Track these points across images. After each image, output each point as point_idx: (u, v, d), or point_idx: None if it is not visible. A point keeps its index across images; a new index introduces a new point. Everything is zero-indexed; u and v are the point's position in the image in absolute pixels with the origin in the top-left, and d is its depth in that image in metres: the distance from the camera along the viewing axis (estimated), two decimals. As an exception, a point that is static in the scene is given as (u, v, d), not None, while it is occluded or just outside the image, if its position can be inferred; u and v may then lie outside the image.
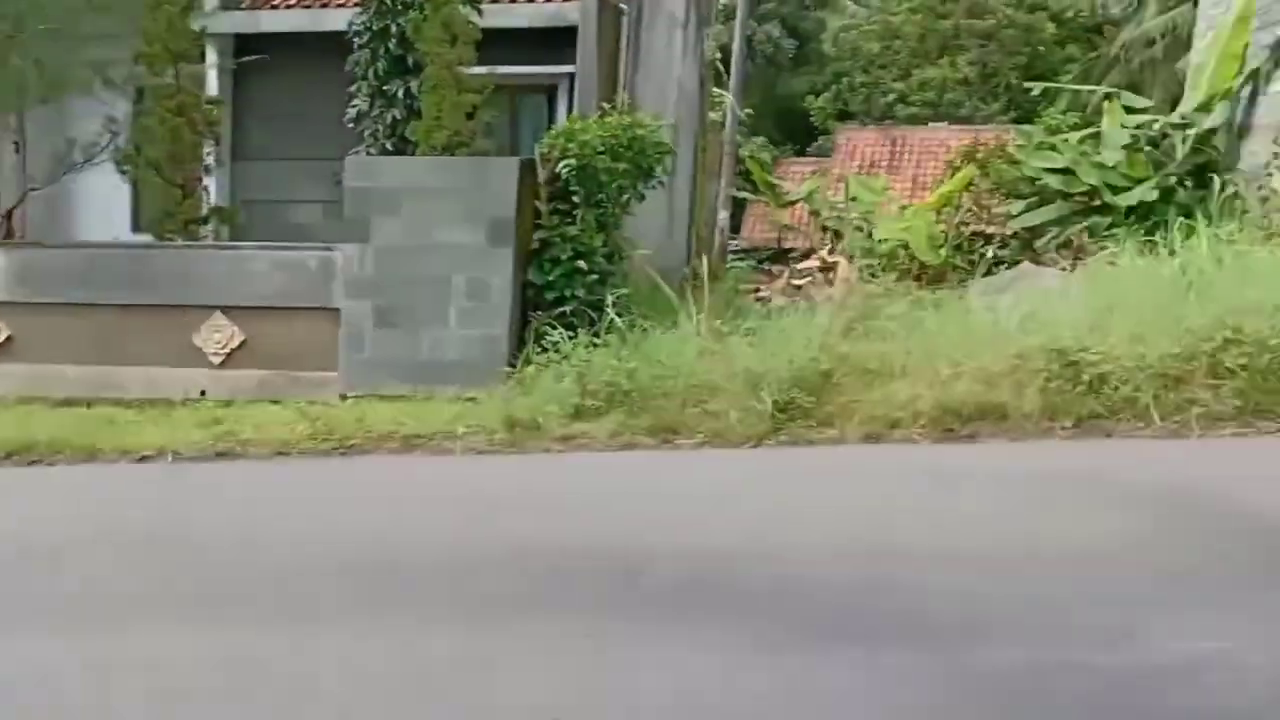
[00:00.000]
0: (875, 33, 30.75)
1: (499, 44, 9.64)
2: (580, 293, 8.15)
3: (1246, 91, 15.13)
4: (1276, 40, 14.33)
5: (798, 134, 32.25)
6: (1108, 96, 16.48)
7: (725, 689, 3.57)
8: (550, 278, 8.21)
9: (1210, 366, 6.41)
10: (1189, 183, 13.46)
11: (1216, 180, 12.54)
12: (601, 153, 8.23)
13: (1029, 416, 6.40)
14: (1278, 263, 7.32)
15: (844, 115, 29.86)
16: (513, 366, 7.77)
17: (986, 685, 3.48)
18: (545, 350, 7.56)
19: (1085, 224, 13.44)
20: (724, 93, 20.97)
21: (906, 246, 14.65)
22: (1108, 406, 6.39)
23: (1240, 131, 15.18)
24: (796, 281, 14.84)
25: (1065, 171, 14.06)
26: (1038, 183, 14.60)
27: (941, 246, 14.84)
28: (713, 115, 20.32)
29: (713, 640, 3.89)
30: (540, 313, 8.16)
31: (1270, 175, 11.61)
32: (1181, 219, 9.91)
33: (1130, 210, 12.72)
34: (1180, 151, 14.48)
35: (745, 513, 5.35)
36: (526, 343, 7.91)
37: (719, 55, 19.49)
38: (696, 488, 5.89)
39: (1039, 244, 13.83)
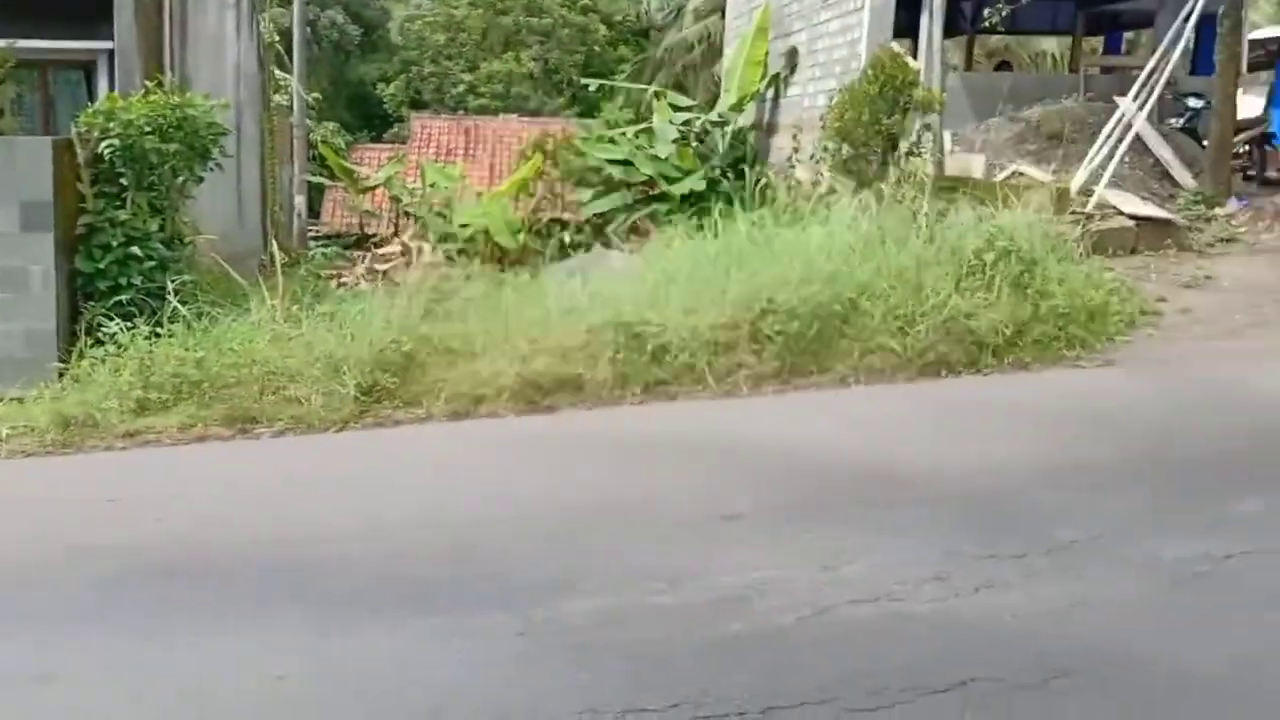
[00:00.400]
0: (440, 24, 30.98)
1: (26, 16, 8.65)
2: (137, 280, 7.53)
3: (770, 94, 17.05)
4: (790, 50, 16.28)
5: (372, 120, 31.79)
6: (657, 95, 17.87)
7: (304, 671, 3.56)
8: (100, 265, 7.51)
9: (752, 333, 7.20)
10: (730, 174, 14.92)
11: (752, 171, 14.05)
12: (149, 133, 7.64)
13: (603, 386, 6.84)
14: (800, 242, 8.34)
15: (417, 104, 29.81)
16: (65, 362, 7.04)
17: (565, 636, 3.73)
18: (102, 343, 6.93)
19: (647, 210, 14.51)
20: (288, 76, 20.23)
21: (486, 232, 14.99)
22: (670, 373, 6.98)
23: (768, 129, 17.07)
24: (379, 266, 14.66)
25: (625, 163, 15.07)
26: (602, 173, 15.53)
27: (520, 232, 15.34)
28: (279, 99, 19.54)
29: (292, 623, 3.86)
30: (94, 303, 7.46)
31: (793, 167, 13.18)
32: (725, 205, 11.04)
33: (684, 198, 13.89)
34: (721, 146, 16.01)
35: (326, 495, 5.28)
36: (79, 336, 7.20)
37: (279, 38, 18.77)
38: (275, 475, 5.71)
39: (609, 229, 14.70)
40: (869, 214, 8.86)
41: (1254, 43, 19.85)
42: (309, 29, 25.55)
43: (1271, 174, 15.34)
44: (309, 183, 19.81)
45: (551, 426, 6.42)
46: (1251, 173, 14.54)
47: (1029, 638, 3.66)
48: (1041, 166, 11.76)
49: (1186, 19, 11.55)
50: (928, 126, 11.59)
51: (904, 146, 11.42)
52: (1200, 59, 15.75)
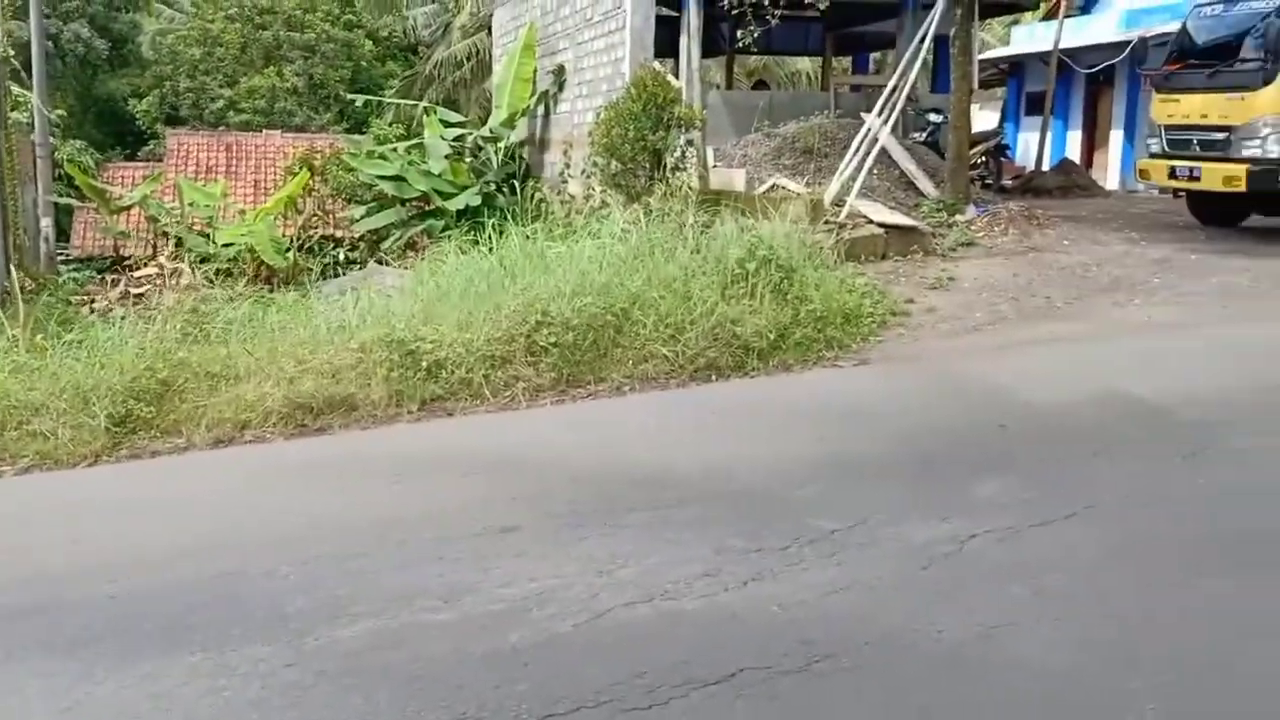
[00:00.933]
0: (195, 39, 29.54)
1: None
2: None
3: (541, 110, 17.21)
4: (558, 67, 16.49)
5: (125, 138, 29.89)
6: (427, 111, 17.72)
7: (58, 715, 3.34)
8: None
9: (528, 346, 7.24)
10: (505, 189, 14.94)
11: (526, 186, 14.13)
12: None
13: (377, 404, 6.71)
14: (573, 255, 8.46)
15: (173, 120, 28.27)
16: None
17: (337, 662, 3.65)
18: None
19: (422, 226, 14.35)
20: (27, 92, 18.83)
21: (252, 251, 14.41)
22: (446, 389, 6.92)
23: (541, 144, 17.21)
24: (135, 289, 13.82)
25: (398, 179, 14.85)
26: (374, 189, 15.24)
27: (288, 250, 14.83)
28: (18, 116, 18.18)
29: (40, 671, 3.62)
30: None
31: (565, 182, 13.34)
32: (500, 220, 11.06)
33: (460, 213, 13.81)
34: (495, 162, 16.03)
35: (76, 532, 4.95)
36: None
37: (14, 53, 17.43)
38: (18, 514, 5.31)
39: (384, 246, 14.43)
40: (639, 227, 9.09)
41: (985, 62, 21.63)
42: (51, 43, 23.90)
43: (1006, 182, 16.72)
44: (56, 205, 18.45)
45: (323, 448, 6.24)
46: (989, 181, 15.79)
47: (794, 625, 3.84)
48: (797, 179, 12.37)
49: (922, 40, 12.44)
50: (691, 142, 11.99)
51: (669, 161, 11.78)
52: (939, 77, 17.00)
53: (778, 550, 4.46)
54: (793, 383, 7.35)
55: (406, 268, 11.91)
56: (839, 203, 10.97)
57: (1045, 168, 17.86)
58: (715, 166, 12.67)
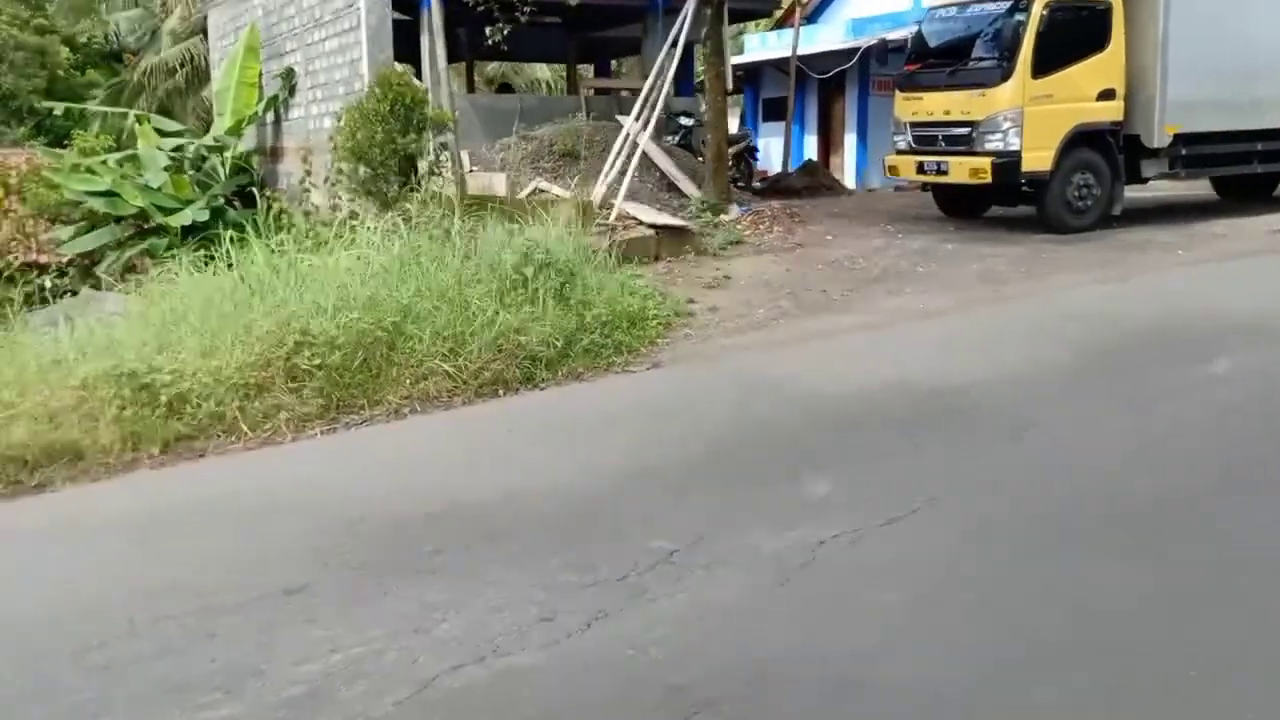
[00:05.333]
0: None
1: None
2: None
3: (271, 117, 15.94)
4: (286, 70, 15.33)
5: None
6: (139, 120, 16.03)
7: None
8: None
9: (288, 370, 6.36)
10: (238, 202, 13.64)
11: (262, 198, 12.91)
12: None
13: (109, 450, 5.65)
14: (328, 268, 7.60)
15: None
16: None
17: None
18: None
19: (144, 246, 12.82)
20: None
21: (-71, 285, 12.40)
22: (194, 426, 5.95)
23: (274, 153, 15.94)
24: None
25: (110, 194, 13.23)
26: (83, 206, 13.53)
27: (-22, 282, 12.88)
28: None
29: None
30: None
31: (308, 191, 12.28)
32: (236, 235, 9.92)
33: (186, 230, 12.43)
34: (223, 173, 14.65)
35: None
36: None
37: None
38: None
39: (100, 269, 12.79)
40: (399, 235, 8.32)
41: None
42: None
43: (756, 184, 16.93)
44: None
45: (44, 509, 5.15)
46: (741, 182, 15.90)
47: (655, 669, 3.31)
48: (559, 182, 11.91)
49: (674, 44, 12.27)
50: (445, 146, 11.30)
51: (423, 166, 11.03)
52: (683, 82, 17.01)
53: (616, 581, 3.91)
54: (586, 392, 6.83)
55: (129, 292, 10.52)
56: (607, 205, 10.57)
57: (790, 169, 18.25)
58: (472, 171, 12.01)
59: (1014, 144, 11.32)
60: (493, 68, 27.02)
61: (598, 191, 10.82)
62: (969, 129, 11.62)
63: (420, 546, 4.33)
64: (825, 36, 22.10)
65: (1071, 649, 3.35)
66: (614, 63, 23.10)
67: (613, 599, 3.76)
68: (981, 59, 11.82)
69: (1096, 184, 11.74)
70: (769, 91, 23.88)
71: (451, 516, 4.67)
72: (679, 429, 5.85)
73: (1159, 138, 11.79)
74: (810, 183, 16.90)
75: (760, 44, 24.19)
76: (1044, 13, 11.22)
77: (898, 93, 12.81)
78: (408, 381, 6.64)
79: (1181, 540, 4.15)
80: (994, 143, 11.43)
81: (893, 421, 5.66)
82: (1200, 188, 14.77)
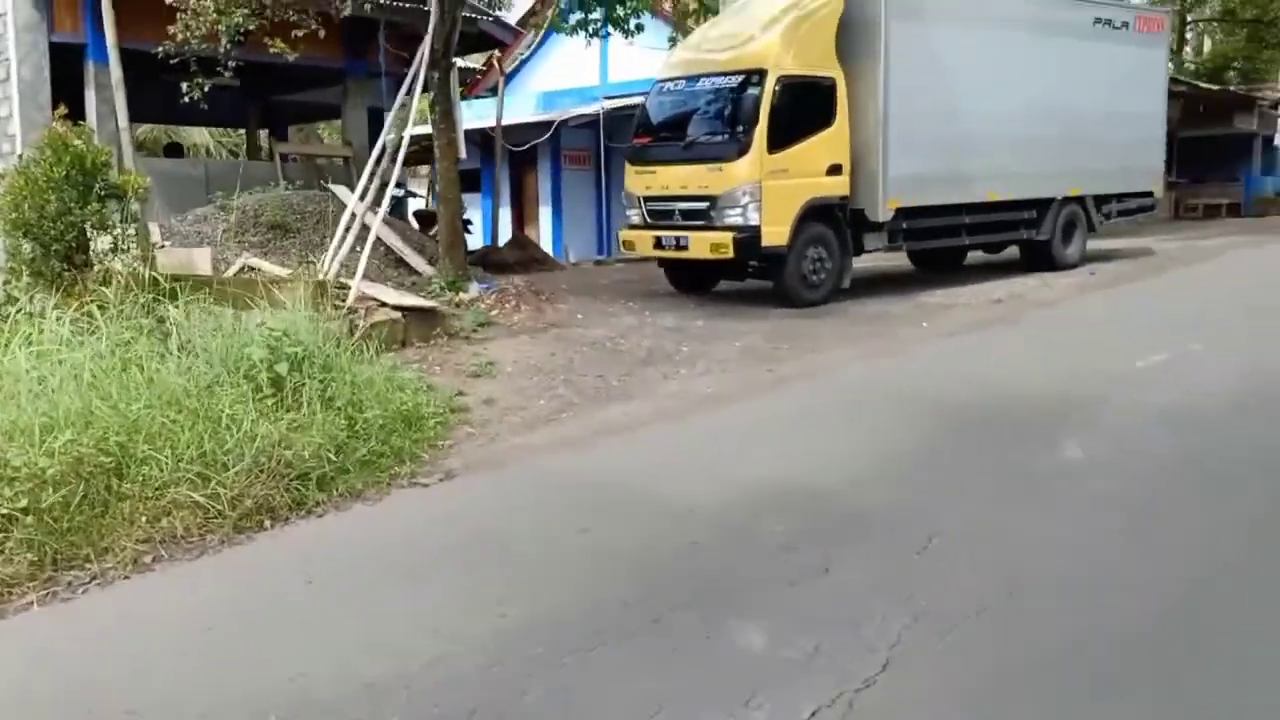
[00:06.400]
0: None
1: None
2: None
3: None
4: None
5: None
6: None
7: None
8: None
9: (-20, 518, 4.72)
10: None
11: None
12: None
13: None
14: (12, 374, 5.93)
15: None
16: None
17: None
18: None
19: None
20: None
21: None
22: None
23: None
24: None
25: None
26: None
27: None
28: None
29: None
30: None
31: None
32: None
33: None
34: None
35: None
36: None
37: None
38: None
39: None
40: (96, 327, 6.71)
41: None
42: None
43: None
44: None
45: None
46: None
47: None
48: (272, 258, 10.46)
49: (404, 109, 11.23)
50: (134, 217, 9.57)
51: (103, 242, 9.25)
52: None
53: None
54: (376, 517, 5.63)
55: None
56: (341, 285, 9.29)
57: (499, 243, 17.52)
58: (164, 245, 10.27)
59: (753, 219, 11.22)
60: (144, 130, 24.37)
61: (329, 269, 9.53)
62: (708, 204, 11.41)
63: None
64: (517, 109, 21.69)
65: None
66: (292, 128, 21.42)
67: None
68: (716, 133, 11.70)
69: (828, 257, 11.89)
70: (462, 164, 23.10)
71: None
72: (516, 566, 4.76)
73: (883, 212, 12.15)
74: (522, 257, 16.24)
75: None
76: (776, 87, 11.27)
77: (629, 166, 12.45)
78: (145, 520, 5.15)
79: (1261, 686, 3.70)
80: (734, 218, 11.29)
81: (774, 535, 4.95)
82: (895, 259, 15.53)
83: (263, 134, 19.11)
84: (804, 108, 11.57)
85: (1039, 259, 14.62)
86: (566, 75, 22.57)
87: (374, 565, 4.92)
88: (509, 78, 24.80)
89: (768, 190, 11.22)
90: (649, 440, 6.80)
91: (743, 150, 11.19)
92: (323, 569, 4.88)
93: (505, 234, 20.13)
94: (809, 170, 11.59)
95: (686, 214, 11.67)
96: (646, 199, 12.07)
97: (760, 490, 5.56)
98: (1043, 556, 4.63)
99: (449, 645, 3.93)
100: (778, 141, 11.29)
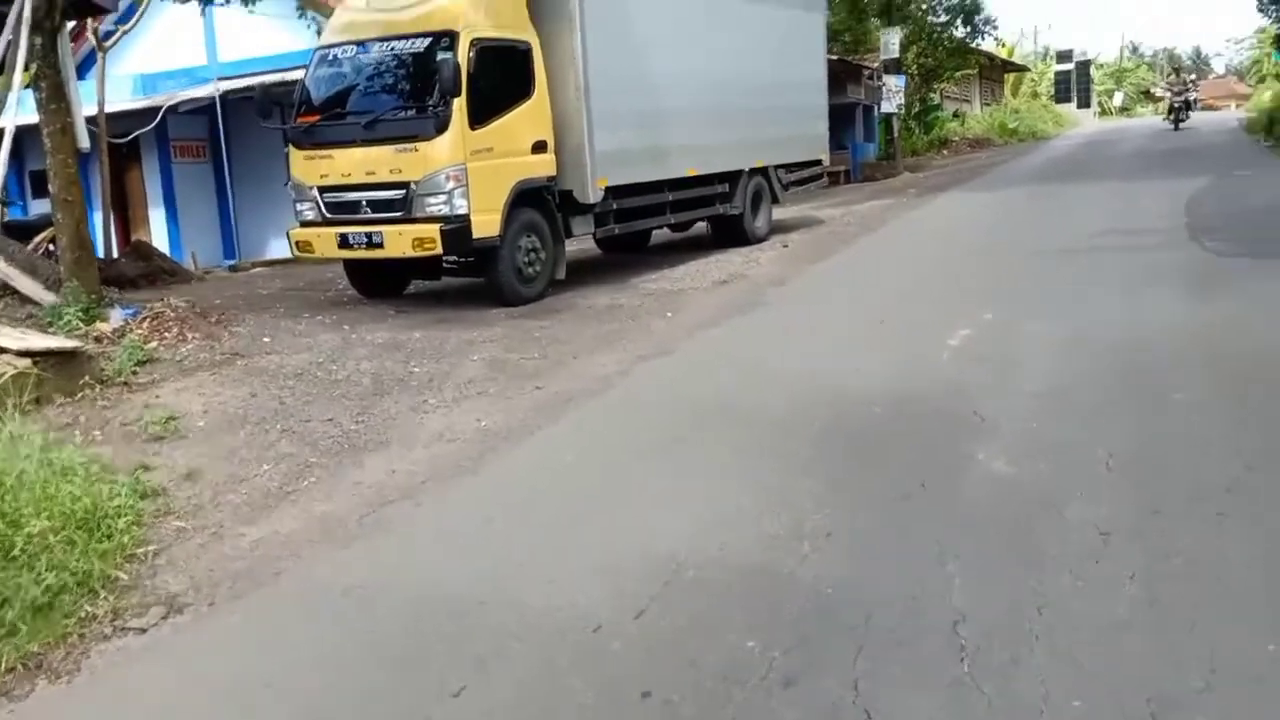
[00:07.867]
0: None
1: None
2: None
3: None
4: None
5: None
6: None
7: None
8: None
9: None
10: None
11: None
12: None
13: None
14: None
15: None
16: None
17: None
18: None
19: None
20: None
21: None
22: None
23: None
24: None
25: None
26: None
27: None
28: None
29: None
30: None
31: None
32: None
33: None
34: None
35: None
36: None
37: None
38: None
39: None
40: None
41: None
42: None
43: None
44: None
45: None
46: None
47: None
48: None
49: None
50: None
51: None
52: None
53: None
54: (71, 707, 3.55)
55: None
56: (-73, 329, 6.59)
57: (114, 254, 14.43)
58: None
59: (461, 207, 9.53)
60: None
61: (-99, 310, 6.75)
62: (404, 192, 9.57)
63: None
64: (110, 92, 18.22)
65: None
66: None
67: None
68: (404, 108, 9.86)
69: (542, 247, 10.46)
70: (38, 162, 19.13)
71: None
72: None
73: (593, 192, 10.88)
74: (147, 269, 13.40)
75: (20, 104, 19.30)
76: (471, 53, 9.62)
77: (294, 150, 10.26)
78: None
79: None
80: (437, 206, 9.54)
81: (740, 663, 3.51)
82: (577, 245, 14.34)
83: None
84: (502, 76, 10.02)
85: (731, 234, 14.05)
86: (167, 54, 19.29)
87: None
88: (90, 60, 21.02)
89: (474, 173, 9.57)
90: (448, 513, 5.07)
91: (441, 127, 9.45)
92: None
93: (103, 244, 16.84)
94: (514, 149, 10.07)
95: (377, 205, 9.75)
96: (323, 190, 10.00)
97: (654, 581, 4.08)
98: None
99: None
100: (479, 116, 9.66)
